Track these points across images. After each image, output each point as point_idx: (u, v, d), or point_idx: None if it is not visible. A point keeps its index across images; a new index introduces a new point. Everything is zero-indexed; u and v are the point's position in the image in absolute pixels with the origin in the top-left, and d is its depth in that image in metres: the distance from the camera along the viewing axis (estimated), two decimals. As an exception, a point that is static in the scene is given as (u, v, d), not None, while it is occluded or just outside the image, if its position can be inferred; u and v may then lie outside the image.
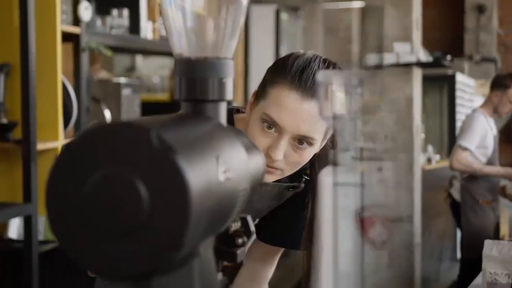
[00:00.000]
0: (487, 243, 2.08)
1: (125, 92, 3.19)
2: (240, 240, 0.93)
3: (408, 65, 5.41)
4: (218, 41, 0.87)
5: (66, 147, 0.66)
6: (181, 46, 0.88)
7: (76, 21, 2.79)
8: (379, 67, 5.19)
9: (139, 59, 6.13)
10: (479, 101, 8.65)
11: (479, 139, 4.44)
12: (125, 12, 3.19)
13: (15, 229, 2.72)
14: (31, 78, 2.46)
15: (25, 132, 2.43)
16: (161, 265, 0.66)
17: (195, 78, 0.85)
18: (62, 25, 2.66)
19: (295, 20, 6.53)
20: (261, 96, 1.34)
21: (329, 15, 5.71)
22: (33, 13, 2.49)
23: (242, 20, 0.89)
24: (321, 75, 0.76)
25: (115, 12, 3.18)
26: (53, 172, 0.66)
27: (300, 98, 1.27)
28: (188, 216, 0.64)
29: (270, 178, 1.36)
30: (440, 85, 7.36)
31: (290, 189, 1.48)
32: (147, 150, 0.64)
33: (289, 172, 1.36)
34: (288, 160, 1.32)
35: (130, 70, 6.10)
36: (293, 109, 1.28)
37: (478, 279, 2.26)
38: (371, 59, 5.54)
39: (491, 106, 4.56)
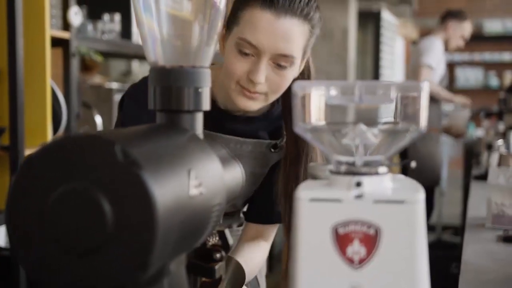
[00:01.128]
0: (493, 170, 1.92)
1: (118, 97, 3.16)
2: (218, 255, 0.90)
3: None
4: (193, 49, 0.85)
5: (28, 160, 0.63)
6: (156, 54, 0.85)
7: (66, 26, 2.76)
8: None
9: (135, 64, 6.10)
10: (399, 41, 8.72)
11: (437, 59, 4.49)
12: (117, 16, 3.17)
13: (2, 236, 2.68)
14: (19, 83, 2.43)
15: (12, 138, 2.40)
16: (127, 285, 0.63)
17: (170, 87, 0.82)
18: (51, 30, 2.63)
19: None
20: (233, 23, 1.30)
21: None
22: (21, 17, 2.46)
23: (219, 27, 0.86)
24: (297, 86, 0.73)
25: (106, 16, 3.15)
26: (15, 185, 0.63)
27: (274, 16, 1.24)
28: (155, 233, 0.61)
29: (254, 105, 1.32)
30: (364, 21, 7.22)
31: (272, 150, 1.44)
32: (112, 164, 0.61)
33: (272, 96, 1.32)
34: (270, 82, 1.29)
35: (126, 74, 6.06)
36: (268, 28, 1.24)
37: (479, 212, 2.07)
38: None
39: (443, 37, 4.60)
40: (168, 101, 0.82)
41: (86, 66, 3.90)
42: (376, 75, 7.41)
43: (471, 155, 4.87)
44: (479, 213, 2.09)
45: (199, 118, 0.84)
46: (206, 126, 1.22)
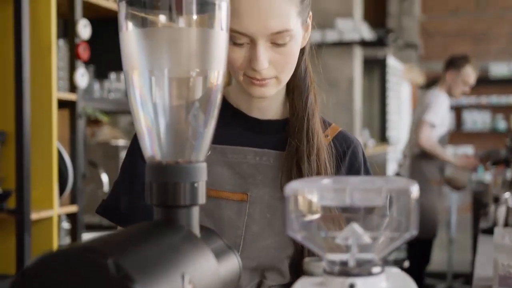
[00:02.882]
0: (498, 231, 1.88)
1: (124, 155, 3.18)
2: None
3: (349, 43, 5.40)
4: (189, 144, 0.86)
5: (21, 274, 0.63)
6: (153, 149, 0.86)
7: (73, 87, 2.80)
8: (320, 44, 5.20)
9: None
10: (405, 85, 8.76)
11: (441, 116, 4.48)
12: (123, 75, 3.21)
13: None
14: (25, 147, 2.46)
15: (19, 202, 2.41)
16: None
17: (167, 184, 0.83)
18: (58, 92, 2.67)
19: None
20: None
21: None
22: (28, 80, 2.50)
23: (213, 125, 0.88)
24: (289, 189, 0.74)
25: (112, 75, 3.19)
26: (9, 298, 0.64)
27: None
28: None
29: (268, 91, 1.21)
30: (370, 68, 7.25)
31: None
32: (105, 279, 0.62)
33: (285, 77, 1.21)
34: (276, 64, 1.18)
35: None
36: (251, 10, 1.14)
37: (487, 271, 2.01)
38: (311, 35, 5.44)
39: (446, 87, 4.61)
40: (164, 196, 0.83)
41: (95, 119, 3.94)
42: (383, 121, 7.45)
43: (479, 204, 4.84)
44: (487, 272, 2.07)
45: (195, 212, 0.85)
46: (221, 137, 1.16)
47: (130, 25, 0.83)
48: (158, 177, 0.84)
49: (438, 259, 6.82)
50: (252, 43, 1.17)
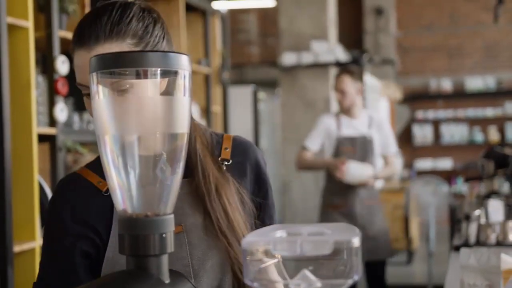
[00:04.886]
0: (464, 251, 1.94)
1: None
2: None
3: (325, 65, 5.44)
4: (157, 199, 0.94)
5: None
6: (124, 204, 0.95)
7: (53, 121, 2.87)
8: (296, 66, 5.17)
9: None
10: (383, 101, 8.93)
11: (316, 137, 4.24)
12: (102, 106, 3.29)
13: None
14: (7, 181, 2.52)
15: (1, 235, 2.48)
16: None
17: (137, 236, 0.92)
18: (38, 127, 2.74)
19: (273, 98, 6.69)
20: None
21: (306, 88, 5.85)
22: (9, 116, 2.57)
23: (179, 178, 0.96)
24: (246, 243, 0.83)
25: (92, 107, 3.27)
26: None
27: (87, 50, 1.22)
28: None
29: None
30: None
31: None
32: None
33: None
34: None
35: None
36: (85, 63, 1.21)
37: None
38: (288, 58, 5.49)
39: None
40: (135, 247, 0.92)
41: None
42: (361, 138, 7.56)
43: (455, 218, 4.94)
44: (456, 291, 2.15)
45: (165, 259, 0.94)
46: None
47: (101, 94, 0.92)
48: (129, 229, 0.93)
49: (418, 272, 6.93)
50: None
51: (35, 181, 2.65)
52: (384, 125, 4.32)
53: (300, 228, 0.88)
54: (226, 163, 1.35)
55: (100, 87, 0.93)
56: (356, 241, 0.81)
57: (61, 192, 1.33)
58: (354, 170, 4.09)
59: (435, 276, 5.81)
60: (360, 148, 4.22)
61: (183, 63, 0.94)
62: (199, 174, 1.31)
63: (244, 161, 1.38)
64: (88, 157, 3.94)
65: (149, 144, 0.93)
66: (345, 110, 4.24)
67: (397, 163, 4.33)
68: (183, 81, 0.94)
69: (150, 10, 1.29)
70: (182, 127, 0.94)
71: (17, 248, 2.56)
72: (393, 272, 6.50)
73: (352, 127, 4.23)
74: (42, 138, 2.81)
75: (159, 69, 0.92)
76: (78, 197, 1.32)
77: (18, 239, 2.62)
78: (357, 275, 0.81)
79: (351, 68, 4.34)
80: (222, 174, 1.33)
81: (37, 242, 2.69)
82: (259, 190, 1.40)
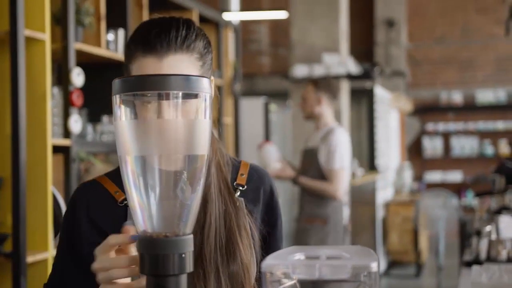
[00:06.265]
0: (475, 269, 1.94)
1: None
2: None
3: (336, 77, 5.42)
4: (178, 219, 0.96)
5: None
6: (145, 224, 0.96)
7: (67, 133, 2.90)
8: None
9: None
10: (394, 113, 8.91)
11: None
12: (115, 118, 3.31)
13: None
14: (21, 192, 2.55)
15: (15, 245, 2.50)
16: None
17: (157, 255, 0.93)
18: (53, 139, 2.77)
19: (284, 109, 6.70)
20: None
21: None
22: (24, 128, 2.60)
23: (199, 199, 0.98)
24: (265, 266, 0.84)
25: (105, 118, 3.30)
26: None
27: (157, 58, 1.23)
28: None
29: None
30: (358, 98, 7.38)
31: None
32: None
33: None
34: None
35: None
36: (154, 71, 1.23)
37: None
38: (299, 70, 5.46)
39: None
40: (155, 267, 0.94)
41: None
42: (371, 149, 7.56)
43: (465, 232, 4.93)
44: (468, 310, 2.14)
45: (184, 279, 0.95)
46: None
47: (123, 116, 0.94)
48: (149, 249, 0.94)
49: (426, 285, 6.90)
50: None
51: (49, 192, 2.68)
52: (333, 141, 4.08)
53: (318, 250, 0.89)
54: (241, 188, 1.36)
55: (123, 109, 0.95)
56: (375, 266, 0.82)
57: (80, 196, 1.35)
58: (265, 152, 4.10)
59: (445, 291, 5.80)
60: (305, 159, 4.17)
61: (204, 86, 0.96)
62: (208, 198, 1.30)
63: (258, 188, 1.40)
64: (100, 167, 3.97)
65: (169, 165, 0.95)
66: (306, 118, 4.25)
67: (340, 182, 3.97)
68: (204, 104, 0.96)
69: (204, 32, 1.32)
70: (203, 149, 0.96)
71: (30, 259, 2.58)
72: (401, 285, 6.49)
73: (311, 140, 4.23)
74: (56, 149, 2.84)
75: (180, 92, 0.93)
76: (95, 203, 1.34)
77: (31, 249, 2.64)
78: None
79: (318, 79, 4.37)
80: (232, 200, 1.33)
81: (50, 253, 2.71)
82: (269, 219, 1.40)
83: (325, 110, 4.13)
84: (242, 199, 1.35)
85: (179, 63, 1.24)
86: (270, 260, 0.85)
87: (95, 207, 1.33)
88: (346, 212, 4.23)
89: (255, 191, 1.39)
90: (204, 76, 0.96)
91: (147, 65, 1.24)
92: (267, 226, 1.39)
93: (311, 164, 4.10)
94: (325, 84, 4.18)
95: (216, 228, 1.29)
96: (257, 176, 1.41)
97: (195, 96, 0.95)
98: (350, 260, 0.84)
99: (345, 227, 4.20)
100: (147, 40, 1.24)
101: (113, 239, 1.04)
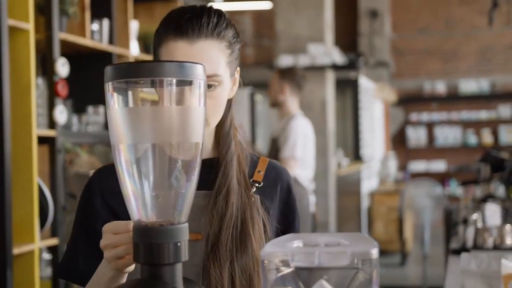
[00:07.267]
0: (464, 256, 1.94)
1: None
2: None
3: (322, 68, 5.43)
4: (173, 208, 0.95)
5: None
6: (139, 213, 0.95)
7: (52, 124, 2.87)
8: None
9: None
10: (378, 103, 8.95)
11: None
12: (101, 109, 3.29)
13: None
14: (7, 183, 2.52)
15: (1, 238, 2.47)
16: None
17: (151, 244, 0.92)
18: (38, 129, 2.73)
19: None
20: None
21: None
22: (9, 119, 2.57)
23: (193, 187, 0.96)
24: (264, 253, 0.83)
25: (90, 109, 3.27)
26: None
27: (188, 43, 1.24)
28: None
29: None
30: (342, 88, 7.40)
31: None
32: None
33: (213, 121, 1.30)
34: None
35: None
36: (185, 55, 1.24)
37: None
38: (284, 60, 5.49)
39: None
40: (150, 256, 0.92)
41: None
42: (356, 140, 7.59)
43: (451, 220, 4.94)
44: (456, 296, 2.14)
45: (179, 268, 0.94)
46: None
47: (116, 103, 0.92)
48: (144, 238, 0.93)
49: (411, 274, 6.95)
50: None
51: (35, 183, 2.65)
52: (287, 129, 4.12)
53: (317, 237, 0.88)
54: (257, 185, 1.36)
55: (115, 96, 0.93)
56: (375, 253, 0.81)
57: (96, 178, 1.36)
58: None
59: (430, 278, 5.83)
60: (271, 148, 4.24)
61: (198, 73, 0.94)
62: (223, 190, 1.30)
63: (275, 185, 1.40)
64: (85, 158, 3.94)
65: (163, 153, 0.93)
66: (272, 106, 4.30)
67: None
68: (198, 91, 0.94)
69: (233, 23, 1.33)
70: (197, 137, 0.94)
71: (16, 250, 2.56)
72: (386, 274, 6.52)
73: (276, 129, 4.31)
74: (41, 140, 2.80)
75: (174, 79, 0.92)
76: (110, 187, 1.32)
77: (17, 241, 2.61)
78: (376, 287, 0.81)
79: (284, 69, 4.42)
80: (248, 194, 1.33)
81: (37, 244, 2.68)
82: (287, 216, 1.40)
83: (288, 99, 4.16)
84: (257, 196, 1.34)
85: (209, 48, 1.26)
86: (269, 248, 0.84)
87: (109, 191, 1.32)
88: (312, 200, 4.24)
89: (272, 188, 1.38)
90: (199, 63, 0.95)
91: (178, 49, 1.25)
92: (285, 223, 1.39)
93: (273, 153, 4.15)
94: (290, 74, 4.22)
95: (235, 219, 1.29)
96: (274, 173, 1.41)
97: (189, 83, 0.94)
98: (349, 247, 0.83)
99: (312, 215, 4.22)
100: (179, 24, 1.25)
101: (123, 227, 1.04)
